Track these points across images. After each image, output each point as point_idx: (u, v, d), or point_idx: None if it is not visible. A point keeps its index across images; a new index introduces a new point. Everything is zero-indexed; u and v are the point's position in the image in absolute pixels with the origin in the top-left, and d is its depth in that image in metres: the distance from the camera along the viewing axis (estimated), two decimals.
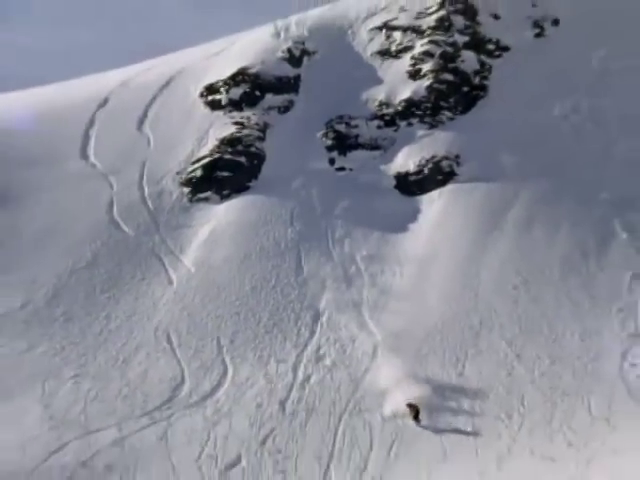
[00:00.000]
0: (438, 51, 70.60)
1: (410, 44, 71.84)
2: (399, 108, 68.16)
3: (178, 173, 64.93)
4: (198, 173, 64.67)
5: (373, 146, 66.48)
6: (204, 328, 51.91)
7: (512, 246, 56.43)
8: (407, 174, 63.77)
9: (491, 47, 71.48)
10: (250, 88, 70.39)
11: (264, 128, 67.84)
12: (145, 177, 64.74)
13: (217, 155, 65.78)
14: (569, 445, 41.03)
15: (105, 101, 72.50)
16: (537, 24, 72.67)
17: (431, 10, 73.47)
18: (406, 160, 64.65)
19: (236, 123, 68.04)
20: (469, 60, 70.33)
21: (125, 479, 40.41)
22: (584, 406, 43.83)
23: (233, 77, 71.07)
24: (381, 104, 68.64)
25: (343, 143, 66.67)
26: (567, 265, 54.58)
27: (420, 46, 71.26)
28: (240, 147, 66.31)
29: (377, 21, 74.52)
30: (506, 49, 71.34)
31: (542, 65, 68.91)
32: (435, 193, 61.95)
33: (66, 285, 55.85)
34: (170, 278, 55.98)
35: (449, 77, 69.45)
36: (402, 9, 74.58)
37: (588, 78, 67.92)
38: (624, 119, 64.28)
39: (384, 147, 66.24)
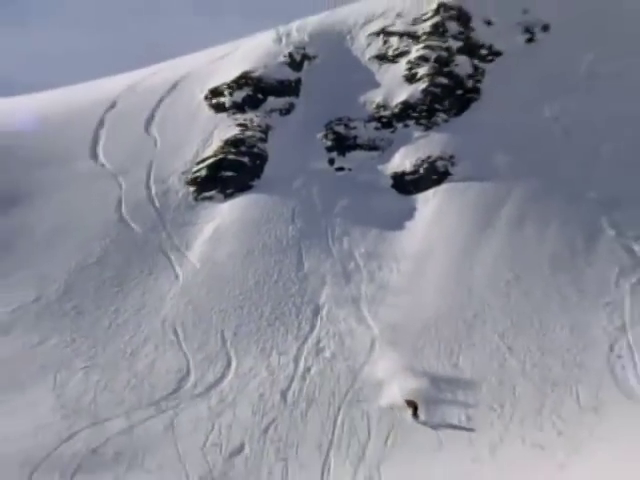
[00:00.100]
0: (433, 56, 70.61)
1: (406, 49, 71.85)
2: (396, 110, 68.18)
3: (184, 173, 64.95)
4: (203, 173, 64.70)
5: (371, 147, 66.52)
6: (209, 321, 51.95)
7: (504, 243, 56.46)
8: (404, 174, 63.82)
9: (484, 52, 71.48)
10: (253, 91, 70.42)
11: (266, 130, 67.86)
12: (152, 176, 64.77)
13: (221, 155, 65.80)
14: (558, 433, 41.07)
15: (113, 104, 72.51)
16: (528, 30, 72.67)
17: (426, 16, 73.47)
18: (403, 160, 64.70)
19: (239, 125, 68.06)
20: (463, 64, 70.35)
21: (133, 466, 40.37)
22: (573, 396, 43.87)
23: (236, 81, 71.09)
24: (379, 106, 68.67)
25: (342, 144, 66.69)
26: (557, 261, 54.63)
27: (416, 51, 71.27)
28: (243, 148, 66.34)
29: (375, 27, 74.50)
30: (498, 54, 71.35)
31: (533, 69, 68.92)
32: (430, 192, 61.98)
33: (76, 280, 55.91)
34: (176, 273, 56.03)
35: (444, 81, 69.47)
36: (399, 15, 74.56)
37: (577, 81, 67.95)
38: (611, 121, 64.28)
39: (382, 148, 66.27)
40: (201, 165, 65.25)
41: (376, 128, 67.55)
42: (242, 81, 70.98)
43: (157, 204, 62.31)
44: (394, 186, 63.31)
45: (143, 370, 48.13)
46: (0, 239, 59.56)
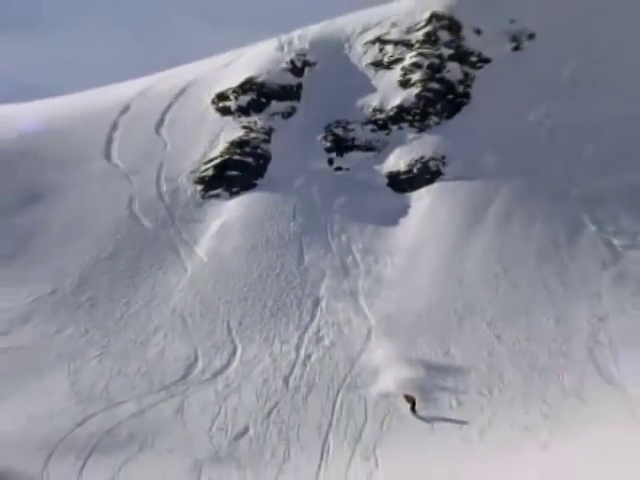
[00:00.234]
0: (426, 62, 70.52)
1: (401, 56, 71.78)
2: (391, 114, 68.13)
3: (192, 172, 64.93)
4: (210, 172, 64.68)
5: (368, 148, 66.48)
6: (215, 312, 51.92)
7: (493, 238, 56.41)
8: (398, 173, 63.77)
9: (474, 59, 71.39)
10: (257, 96, 70.36)
11: (269, 132, 67.82)
12: (162, 176, 64.76)
13: (227, 156, 65.79)
14: (544, 417, 41.07)
15: (126, 108, 72.46)
16: (515, 38, 72.57)
17: (419, 26, 73.41)
18: (397, 160, 64.66)
19: (244, 127, 68.04)
20: (454, 71, 70.27)
21: (144, 447, 40.35)
22: (557, 382, 43.84)
23: (241, 86, 71.03)
24: (375, 110, 68.62)
25: (340, 145, 66.64)
26: (542, 255, 54.57)
27: (410, 58, 71.19)
28: (248, 149, 66.32)
29: (371, 35, 74.44)
30: (487, 61, 71.26)
31: (519, 75, 68.86)
32: (423, 190, 61.96)
33: (90, 274, 55.90)
34: (185, 267, 55.99)
35: (436, 86, 69.37)
36: (393, 25, 74.49)
37: (560, 87, 67.87)
38: (592, 124, 64.20)
39: (378, 149, 66.24)
40: (208, 165, 65.23)
41: (372, 130, 67.50)
42: (246, 86, 70.92)
43: (167, 202, 62.29)
44: (389, 185, 63.28)
45: (153, 358, 48.12)
46: (19, 235, 59.62)
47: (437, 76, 70.04)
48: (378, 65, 72.28)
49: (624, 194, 58.33)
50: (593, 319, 48.70)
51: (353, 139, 67.01)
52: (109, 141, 68.75)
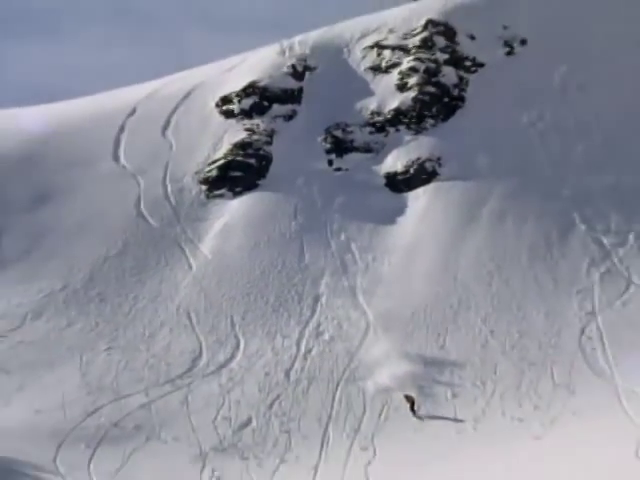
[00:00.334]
0: (422, 67, 70.38)
1: (398, 61, 71.59)
2: (388, 116, 68.00)
3: (197, 173, 64.88)
4: (214, 173, 64.64)
5: (366, 149, 66.36)
6: (219, 307, 52.01)
7: (486, 236, 56.48)
8: (396, 174, 63.70)
9: (468, 64, 71.24)
10: (259, 99, 70.22)
11: (271, 134, 67.71)
12: (168, 176, 64.70)
13: (230, 157, 65.70)
14: (535, 408, 41.23)
15: (133, 111, 72.33)
16: (507, 44, 72.41)
17: (416, 32, 73.19)
18: (395, 161, 64.58)
19: (247, 129, 67.93)
20: (449, 75, 70.15)
21: (152, 437, 40.52)
22: (548, 374, 44.01)
23: (244, 89, 70.88)
24: (373, 113, 68.48)
25: (340, 147, 66.55)
26: (534, 252, 54.67)
27: (407, 63, 71.02)
28: (250, 150, 66.25)
29: (369, 41, 74.20)
30: (481, 65, 71.11)
31: (512, 79, 68.75)
32: (420, 190, 61.89)
33: (100, 270, 55.98)
34: (190, 264, 56.03)
35: (432, 90, 69.25)
36: (391, 31, 74.29)
37: (551, 91, 67.81)
38: (581, 126, 64.28)
39: (376, 150, 66.14)
40: (212, 166, 65.19)
41: (371, 132, 67.39)
42: (249, 90, 70.80)
43: (172, 201, 62.29)
44: (387, 185, 63.22)
45: (160, 351, 48.25)
46: (32, 233, 59.72)
47: (433, 80, 69.92)
48: (376, 69, 72.12)
49: (613, 194, 58.48)
50: (582, 314, 48.88)
51: (352, 141, 66.90)
52: (117, 143, 68.68)
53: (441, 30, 72.98)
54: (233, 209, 61.21)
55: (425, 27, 73.28)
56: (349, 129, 67.52)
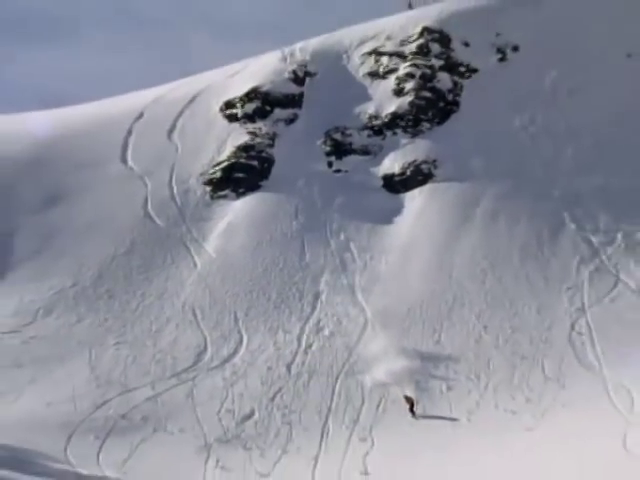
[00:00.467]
0: (418, 73, 70.43)
1: (395, 67, 71.62)
2: (386, 120, 68.01)
3: (201, 174, 64.88)
4: (218, 174, 64.65)
5: (364, 152, 66.37)
6: (223, 304, 52.00)
7: (480, 236, 56.48)
8: (393, 175, 63.72)
9: (462, 69, 71.26)
10: (261, 103, 70.23)
11: (273, 137, 67.72)
12: (174, 178, 64.71)
13: (234, 159, 65.70)
14: (527, 400, 41.29)
15: (141, 115, 72.34)
16: (500, 50, 72.44)
17: (412, 39, 73.25)
18: (392, 163, 64.59)
19: (250, 133, 67.96)
20: (444, 80, 70.19)
21: (158, 429, 40.54)
22: (539, 368, 44.05)
23: (247, 94, 70.90)
24: (371, 117, 68.49)
25: (339, 149, 66.55)
26: (526, 251, 54.68)
27: (403, 68, 71.06)
28: (253, 153, 66.27)
29: (367, 48, 74.24)
30: (475, 71, 71.14)
31: (504, 84, 68.77)
32: (416, 191, 61.89)
33: (108, 268, 55.97)
34: (195, 262, 56.04)
35: (427, 94, 69.27)
36: (388, 38, 74.34)
37: (542, 96, 67.83)
38: (571, 129, 64.31)
39: (373, 152, 66.15)
40: (216, 168, 65.19)
41: (369, 135, 67.39)
42: (252, 95, 70.81)
43: (178, 202, 62.28)
44: (384, 186, 63.23)
45: (166, 346, 48.25)
46: (43, 233, 59.70)
47: (429, 85, 69.94)
48: (374, 75, 72.13)
49: (602, 195, 58.50)
50: (572, 310, 48.89)
51: (351, 143, 66.91)
52: (125, 146, 68.68)
53: (436, 37, 73.07)
54: (236, 209, 61.21)
55: (421, 34, 73.35)
56: (348, 132, 67.52)
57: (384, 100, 69.59)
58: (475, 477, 33.62)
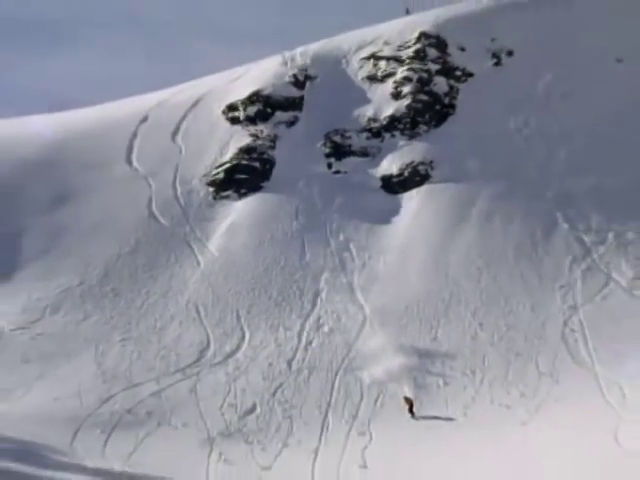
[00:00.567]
0: (415, 77, 70.42)
1: (393, 71, 71.62)
2: (384, 123, 68.00)
3: (204, 175, 64.87)
4: (221, 175, 64.66)
5: (363, 153, 66.37)
6: (226, 302, 52.00)
7: (475, 235, 56.47)
8: (391, 176, 63.71)
9: (458, 73, 71.25)
10: (263, 106, 70.23)
11: (274, 139, 67.71)
12: (178, 179, 64.72)
13: (236, 161, 65.70)
14: (521, 395, 41.33)
15: (145, 118, 72.36)
16: (495, 55, 72.42)
17: (409, 44, 73.25)
18: (390, 165, 64.59)
19: (251, 135, 67.95)
20: (440, 84, 70.18)
21: (163, 423, 40.54)
22: (533, 364, 44.09)
23: (249, 98, 70.91)
24: (369, 119, 68.48)
25: (339, 151, 66.55)
26: (520, 250, 54.68)
27: (401, 72, 71.05)
28: (255, 154, 66.25)
29: (366, 52, 74.26)
30: (470, 75, 71.13)
31: (499, 88, 68.77)
32: (413, 192, 61.88)
33: (114, 267, 55.97)
34: (198, 261, 56.03)
35: (424, 98, 69.27)
36: (386, 43, 74.35)
37: (536, 99, 67.83)
38: (564, 132, 64.32)
39: (372, 154, 66.14)
40: (219, 169, 65.20)
41: (367, 138, 67.39)
42: (254, 98, 70.81)
43: (182, 202, 62.30)
44: (383, 187, 63.21)
45: (170, 343, 48.26)
46: (51, 232, 59.72)
47: (425, 89, 69.93)
48: (372, 79, 72.13)
49: (594, 195, 58.53)
50: (565, 307, 48.92)
51: (350, 145, 66.91)
52: (130, 148, 68.70)
53: (433, 42, 73.06)
54: (239, 210, 61.21)
55: (418, 39, 73.35)
56: (347, 134, 67.53)
57: (382, 103, 69.60)
58: (471, 469, 33.60)
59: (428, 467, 34.67)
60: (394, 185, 63.09)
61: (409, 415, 40.47)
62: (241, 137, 67.97)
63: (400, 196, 61.96)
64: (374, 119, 68.51)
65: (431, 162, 63.86)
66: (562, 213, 57.37)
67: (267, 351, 47.06)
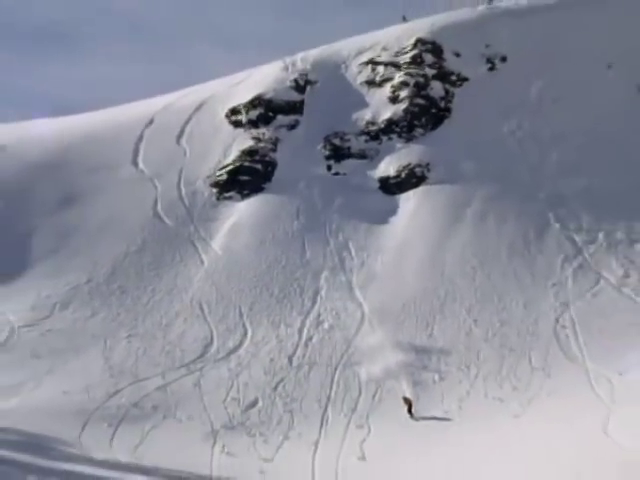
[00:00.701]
0: (412, 81, 70.46)
1: (390, 76, 71.64)
2: (382, 126, 68.03)
3: (208, 177, 64.92)
4: (224, 177, 64.70)
5: (362, 156, 66.39)
6: (229, 299, 52.04)
7: (470, 235, 56.53)
8: (388, 178, 63.74)
9: (454, 78, 71.28)
10: (265, 110, 70.26)
11: (275, 142, 67.74)
12: (182, 180, 64.76)
13: (239, 163, 65.74)
14: (514, 389, 41.38)
15: (151, 121, 72.39)
16: (489, 60, 72.45)
17: (406, 49, 73.25)
18: (387, 167, 64.62)
19: (254, 138, 67.98)
20: (436, 88, 70.22)
21: (168, 416, 40.55)
22: (526, 359, 44.17)
23: (251, 102, 70.94)
24: (368, 123, 68.51)
25: (338, 153, 66.57)
26: (513, 249, 54.75)
27: (398, 77, 71.08)
28: (257, 157, 66.29)
29: (364, 58, 74.28)
30: (465, 80, 71.16)
31: (493, 92, 68.82)
32: (410, 193, 61.91)
33: (121, 266, 56.01)
34: (202, 260, 56.09)
35: (421, 102, 69.30)
36: (384, 49, 74.38)
37: (529, 103, 67.89)
38: (556, 135, 64.39)
39: (370, 156, 66.17)
40: (222, 171, 65.23)
41: (366, 140, 67.41)
42: (256, 102, 70.84)
43: (186, 203, 62.34)
44: (380, 188, 63.26)
45: (175, 339, 48.30)
46: (59, 232, 59.73)
47: (422, 93, 69.97)
48: (371, 84, 72.16)
49: (584, 196, 58.64)
50: (557, 304, 49.01)
51: (349, 148, 66.94)
52: (136, 150, 68.74)
53: (429, 48, 73.07)
54: (241, 210, 61.26)
55: (415, 45, 73.37)
56: (346, 137, 67.56)
57: (380, 107, 69.64)
58: (467, 460, 33.68)
59: (424, 459, 34.75)
60: (392, 186, 63.14)
61: (408, 416, 40.16)
62: (243, 140, 68.01)
63: (397, 197, 62.00)
64: (372, 122, 68.55)
65: (427, 164, 63.90)
66: (554, 214, 57.46)
67: (269, 347, 47.12)
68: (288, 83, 72.74)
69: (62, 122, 75.83)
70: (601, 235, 55.16)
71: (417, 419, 39.68)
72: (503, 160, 62.87)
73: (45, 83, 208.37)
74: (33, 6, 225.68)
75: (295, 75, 73.63)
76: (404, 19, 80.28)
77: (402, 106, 69.10)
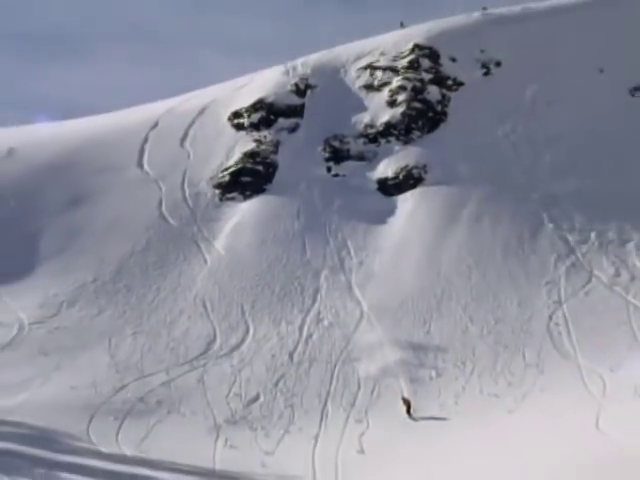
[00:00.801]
0: (410, 85, 70.49)
1: (388, 80, 71.67)
2: (380, 129, 68.06)
3: (211, 178, 64.96)
4: (226, 178, 64.74)
5: (360, 158, 66.41)
6: (231, 297, 52.07)
7: (466, 235, 56.54)
8: (386, 179, 63.76)
9: (450, 83, 71.33)
10: (266, 113, 70.30)
11: (277, 144, 67.77)
12: (186, 182, 64.79)
13: (241, 165, 65.78)
14: (509, 385, 41.42)
15: (156, 124, 72.41)
16: (484, 65, 72.51)
17: (404, 54, 73.33)
18: (386, 168, 64.64)
19: (255, 140, 68.03)
20: (433, 93, 70.25)
21: (172, 411, 40.59)
22: (520, 356, 44.18)
23: (253, 105, 70.98)
24: (366, 126, 68.53)
25: (337, 155, 66.59)
26: (507, 249, 54.76)
27: (396, 82, 71.11)
28: (258, 159, 66.33)
29: (363, 62, 74.31)
30: (461, 84, 71.20)
31: (488, 97, 68.86)
32: (408, 194, 61.91)
33: (127, 265, 56.05)
34: (205, 259, 56.11)
35: (418, 105, 69.33)
36: (382, 54, 74.43)
37: (523, 107, 67.96)
38: (549, 138, 64.45)
39: (369, 158, 66.19)
40: (225, 172, 65.27)
41: (364, 143, 67.43)
42: (258, 106, 70.89)
43: (190, 204, 62.38)
44: (379, 189, 63.27)
45: (179, 336, 48.33)
46: (67, 232, 59.79)
47: (419, 97, 70.00)
48: (369, 88, 72.19)
49: (577, 197, 58.68)
50: (550, 302, 49.02)
51: (348, 150, 66.96)
52: (141, 152, 68.78)
53: (426, 53, 73.15)
54: (243, 210, 61.30)
55: (412, 51, 73.45)
56: (345, 140, 67.60)
57: (378, 110, 69.67)
58: (463, 453, 33.73)
59: (422, 452, 34.80)
60: (390, 188, 63.16)
61: (406, 416, 39.77)
62: (246, 142, 68.06)
63: (395, 198, 62.02)
64: (371, 125, 68.59)
65: (424, 166, 63.93)
66: (547, 214, 57.49)
67: (270, 344, 47.15)
68: (289, 87, 72.79)
69: (69, 125, 75.92)
70: (593, 235, 55.19)
71: (416, 419, 39.55)
72: (498, 162, 62.91)
73: (49, 87, 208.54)
74: (38, 10, 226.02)
75: (296, 79, 73.69)
76: (402, 25, 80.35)
77: (400, 110, 69.11)
